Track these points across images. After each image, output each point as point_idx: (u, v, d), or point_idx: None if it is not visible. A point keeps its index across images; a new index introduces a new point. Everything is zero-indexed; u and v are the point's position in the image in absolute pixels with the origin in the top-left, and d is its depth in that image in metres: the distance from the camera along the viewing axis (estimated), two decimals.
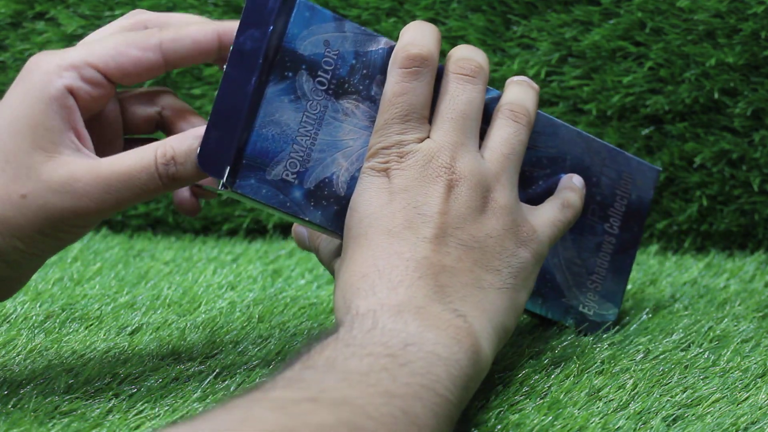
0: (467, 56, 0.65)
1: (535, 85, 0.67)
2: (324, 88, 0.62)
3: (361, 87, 0.63)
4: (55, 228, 0.59)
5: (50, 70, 0.59)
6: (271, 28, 0.61)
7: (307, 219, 0.62)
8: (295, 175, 0.62)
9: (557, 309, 0.69)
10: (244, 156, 0.60)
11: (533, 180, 0.68)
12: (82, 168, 0.59)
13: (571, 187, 0.68)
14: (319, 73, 0.62)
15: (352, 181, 0.63)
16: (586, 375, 0.64)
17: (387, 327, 0.55)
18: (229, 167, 0.60)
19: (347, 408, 0.48)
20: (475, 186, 0.61)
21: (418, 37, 0.63)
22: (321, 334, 0.54)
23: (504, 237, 0.62)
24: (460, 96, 0.63)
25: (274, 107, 0.61)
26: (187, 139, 0.60)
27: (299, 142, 0.62)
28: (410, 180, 0.61)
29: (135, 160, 0.59)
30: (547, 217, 0.65)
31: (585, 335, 0.70)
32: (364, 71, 0.63)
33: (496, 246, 0.61)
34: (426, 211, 0.60)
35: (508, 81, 0.67)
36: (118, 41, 0.61)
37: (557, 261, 0.69)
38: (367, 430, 0.47)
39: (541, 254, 0.63)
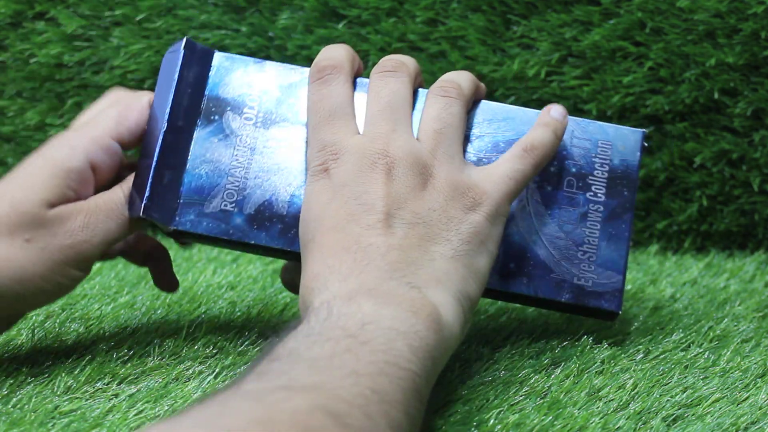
0: (387, 58, 0.67)
1: (470, 74, 0.68)
2: (252, 122, 0.67)
3: (289, 114, 0.67)
4: (59, 272, 0.64)
5: (73, 145, 0.65)
6: (175, 85, 0.66)
7: (252, 242, 0.65)
8: (233, 204, 0.66)
9: (546, 286, 0.68)
10: (180, 195, 0.66)
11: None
12: (70, 210, 0.65)
13: (542, 122, 0.67)
14: (245, 110, 0.67)
15: (293, 199, 0.66)
16: (586, 375, 0.64)
17: (342, 312, 0.55)
18: (143, 203, 0.65)
19: (319, 392, 0.48)
20: (412, 165, 0.62)
21: (325, 53, 0.67)
22: (281, 332, 0.55)
23: (447, 207, 0.62)
24: (383, 89, 0.65)
25: (204, 148, 0.66)
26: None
27: (233, 174, 0.66)
28: (349, 173, 0.62)
29: (108, 197, 0.66)
30: (500, 173, 0.64)
31: (591, 308, 0.68)
32: (290, 100, 0.68)
33: (441, 218, 0.62)
34: (367, 200, 0.61)
35: None
36: (118, 109, 0.66)
37: (536, 238, 0.68)
38: (341, 412, 0.47)
39: (495, 213, 0.63)
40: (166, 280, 0.72)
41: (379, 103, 0.65)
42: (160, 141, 0.65)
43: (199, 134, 0.67)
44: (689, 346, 0.69)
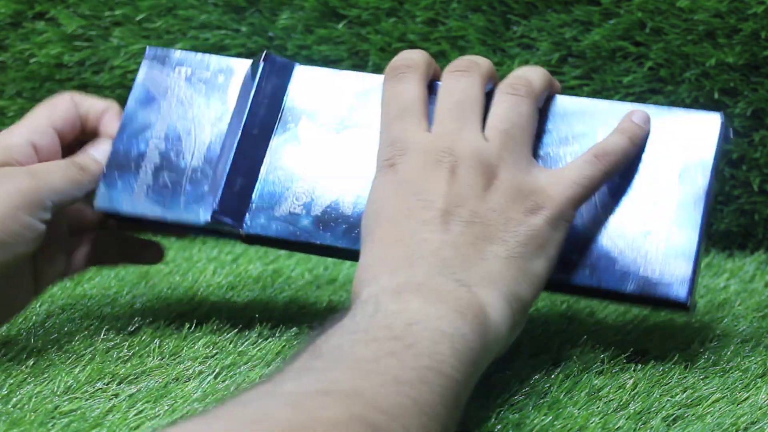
0: (460, 58, 0.67)
1: (544, 69, 0.67)
2: (325, 128, 0.69)
3: (361, 119, 0.69)
4: (16, 235, 0.65)
5: (14, 132, 0.69)
6: (252, 96, 0.69)
7: (318, 242, 0.67)
8: (302, 207, 0.68)
9: (610, 277, 0.65)
10: (252, 201, 0.68)
11: (560, 159, 0.67)
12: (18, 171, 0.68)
13: (621, 128, 0.66)
14: (320, 117, 0.69)
15: (358, 199, 0.67)
16: (586, 375, 0.64)
17: (389, 309, 0.55)
18: (212, 209, 0.68)
19: (359, 400, 0.48)
20: (476, 165, 0.62)
21: (402, 54, 0.67)
22: (326, 325, 0.54)
23: (508, 208, 0.61)
24: (454, 87, 0.65)
25: (278, 155, 0.69)
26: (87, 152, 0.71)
27: (303, 178, 0.68)
28: (414, 169, 0.62)
29: (54, 164, 0.69)
30: (567, 177, 0.63)
31: (658, 298, 0.65)
32: (363, 105, 0.69)
33: (499, 218, 0.61)
34: (427, 197, 0.61)
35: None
36: (48, 103, 0.71)
37: (600, 228, 0.66)
38: (379, 424, 0.47)
39: (558, 218, 0.62)
40: (149, 253, 0.74)
41: (448, 101, 0.64)
42: (234, 149, 0.68)
43: (274, 143, 0.69)
44: (689, 346, 0.69)
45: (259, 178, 0.69)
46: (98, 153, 0.70)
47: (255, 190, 0.68)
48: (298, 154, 0.69)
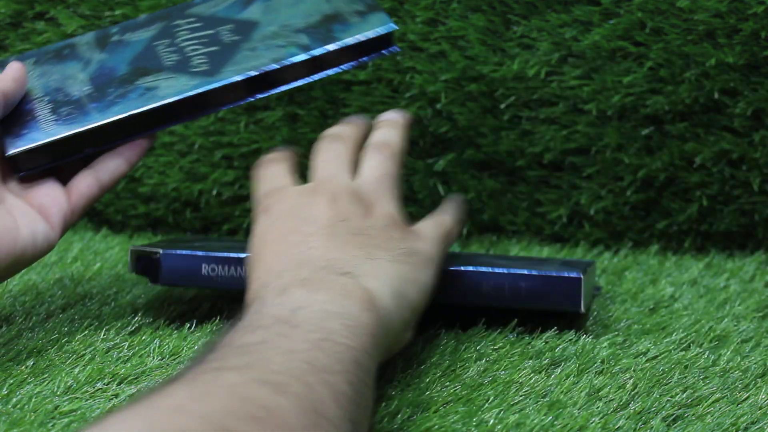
0: (332, 130, 0.72)
1: (402, 119, 0.72)
2: None
3: None
4: None
5: None
6: None
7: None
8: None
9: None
10: None
11: None
12: None
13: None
14: None
15: None
16: (586, 375, 0.64)
17: (274, 303, 0.56)
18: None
19: (251, 369, 0.48)
20: (354, 197, 0.65)
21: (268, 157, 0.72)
22: (215, 339, 0.55)
23: (390, 229, 0.64)
24: (324, 150, 0.69)
25: None
26: None
27: None
28: (292, 202, 0.64)
29: None
30: (435, 220, 0.69)
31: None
32: None
33: (383, 234, 0.63)
34: (309, 215, 0.63)
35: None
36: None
37: None
38: (277, 381, 0.47)
39: (434, 254, 0.65)
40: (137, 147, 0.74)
41: (321, 156, 0.68)
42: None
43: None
44: (689, 346, 0.69)
45: None
46: (10, 67, 0.71)
47: None
48: None
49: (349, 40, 0.72)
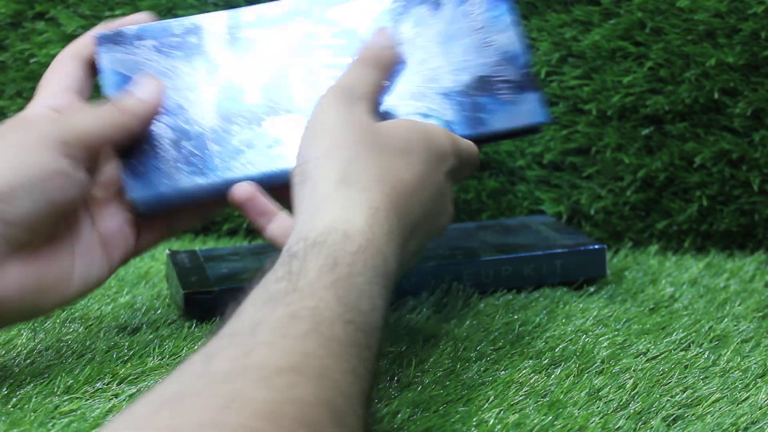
0: None
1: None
2: None
3: None
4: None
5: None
6: None
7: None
8: None
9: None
10: None
11: None
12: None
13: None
14: None
15: None
16: (586, 375, 0.64)
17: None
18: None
19: (328, 384, 0.48)
20: None
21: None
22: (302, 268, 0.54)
23: None
24: None
25: None
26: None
27: None
28: None
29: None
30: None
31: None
32: None
33: None
34: None
35: None
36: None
37: None
38: (338, 411, 0.47)
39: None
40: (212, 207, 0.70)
41: None
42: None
43: None
44: (689, 346, 0.69)
45: None
46: (142, 91, 0.66)
47: None
48: None
49: (497, 129, 0.68)
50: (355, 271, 0.55)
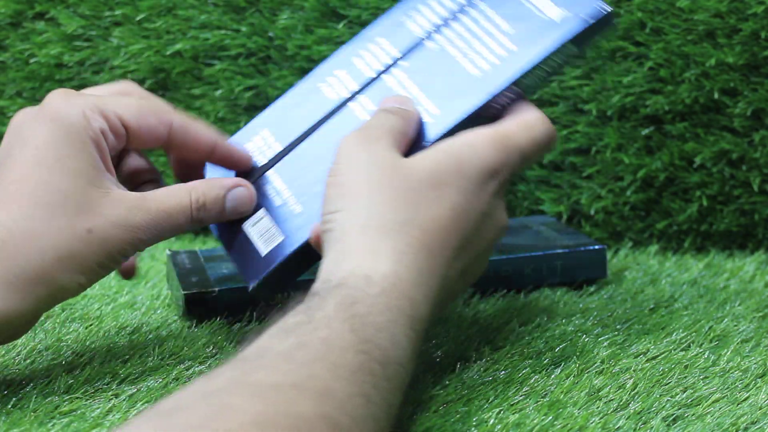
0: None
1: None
2: None
3: None
4: (112, 260, 0.62)
5: (87, 115, 0.62)
6: None
7: None
8: None
9: None
10: None
11: None
12: (135, 204, 0.62)
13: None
14: None
15: None
16: (586, 375, 0.64)
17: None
18: None
19: (329, 401, 0.47)
20: None
21: None
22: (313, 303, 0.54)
23: None
24: None
25: None
26: (214, 189, 0.65)
27: None
28: None
29: (176, 202, 0.63)
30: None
31: None
32: None
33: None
34: None
35: None
36: (141, 105, 0.64)
37: None
38: (342, 429, 0.47)
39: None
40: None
41: None
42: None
43: None
44: (689, 346, 0.69)
45: None
46: (232, 196, 0.66)
47: None
48: None
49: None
50: (376, 311, 0.54)
